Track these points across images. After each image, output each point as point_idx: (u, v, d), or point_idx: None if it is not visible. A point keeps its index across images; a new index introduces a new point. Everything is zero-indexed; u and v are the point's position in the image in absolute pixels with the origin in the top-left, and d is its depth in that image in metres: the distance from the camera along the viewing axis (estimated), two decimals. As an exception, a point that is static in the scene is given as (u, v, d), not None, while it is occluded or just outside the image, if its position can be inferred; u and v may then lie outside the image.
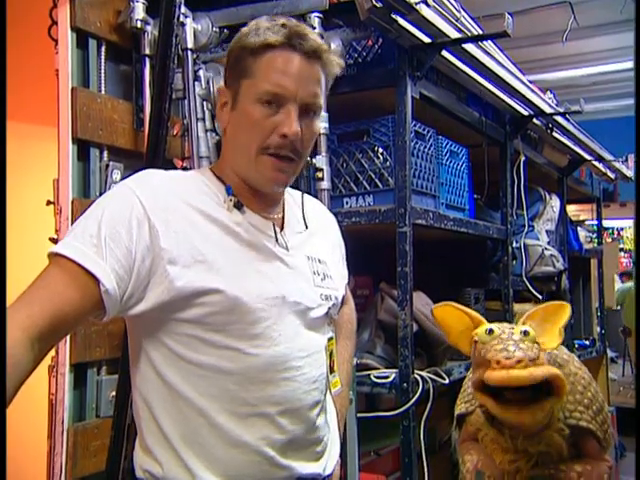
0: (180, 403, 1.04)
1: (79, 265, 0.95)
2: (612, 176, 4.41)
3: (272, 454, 1.06)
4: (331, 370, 1.19)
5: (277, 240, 1.12)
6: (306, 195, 1.28)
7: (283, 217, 1.17)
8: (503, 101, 2.57)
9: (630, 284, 7.78)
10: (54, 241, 1.99)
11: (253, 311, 1.04)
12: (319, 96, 1.08)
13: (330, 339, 1.19)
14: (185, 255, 1.01)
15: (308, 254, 1.17)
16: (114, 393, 1.84)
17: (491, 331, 1.13)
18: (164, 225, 1.01)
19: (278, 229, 1.13)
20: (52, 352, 1.76)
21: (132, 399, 1.12)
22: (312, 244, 1.19)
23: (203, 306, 1.02)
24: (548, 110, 2.84)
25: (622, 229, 9.87)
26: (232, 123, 1.10)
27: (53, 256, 0.98)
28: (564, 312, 1.20)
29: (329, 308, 1.17)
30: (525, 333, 1.11)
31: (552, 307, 1.23)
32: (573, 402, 1.21)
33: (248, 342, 1.04)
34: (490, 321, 1.19)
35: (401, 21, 1.77)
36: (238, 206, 1.09)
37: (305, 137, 1.07)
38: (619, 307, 7.44)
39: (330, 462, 1.19)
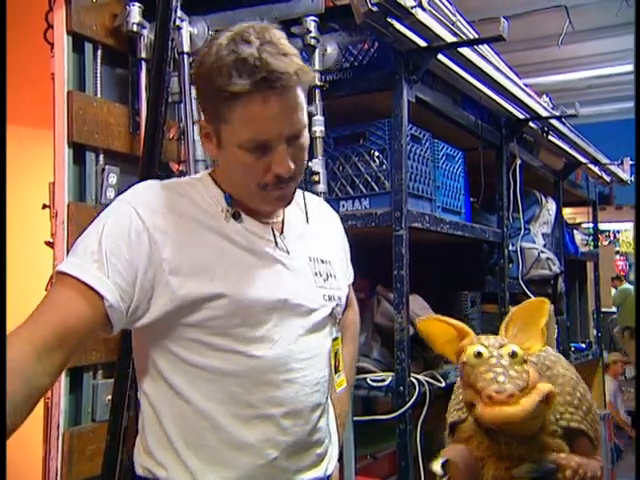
0: (185, 407, 1.05)
1: (82, 282, 0.96)
2: (608, 179, 4.41)
3: (275, 455, 1.06)
4: (336, 370, 1.19)
5: (277, 244, 1.12)
6: (309, 194, 1.28)
7: (283, 220, 1.17)
8: (499, 104, 2.57)
9: (627, 285, 7.81)
10: (50, 245, 1.98)
11: (255, 314, 1.05)
12: (301, 119, 1.03)
13: (335, 339, 1.20)
14: (186, 265, 1.02)
15: (310, 255, 1.17)
16: (110, 397, 1.84)
17: (479, 354, 1.10)
18: (163, 236, 1.02)
19: (277, 233, 1.13)
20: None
21: (139, 403, 1.12)
22: (314, 244, 1.19)
23: (207, 310, 1.03)
24: (544, 114, 2.84)
25: (618, 232, 9.91)
26: (223, 159, 1.08)
27: (57, 275, 0.99)
28: (544, 309, 1.17)
29: (333, 308, 1.17)
30: (513, 355, 1.09)
31: (532, 305, 1.20)
32: (563, 403, 1.20)
33: (250, 345, 1.05)
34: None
35: (397, 25, 1.77)
36: (236, 216, 1.09)
37: (298, 159, 1.04)
38: (617, 308, 7.46)
39: (331, 465, 1.20)
